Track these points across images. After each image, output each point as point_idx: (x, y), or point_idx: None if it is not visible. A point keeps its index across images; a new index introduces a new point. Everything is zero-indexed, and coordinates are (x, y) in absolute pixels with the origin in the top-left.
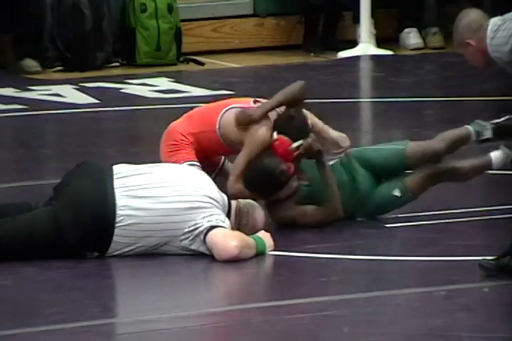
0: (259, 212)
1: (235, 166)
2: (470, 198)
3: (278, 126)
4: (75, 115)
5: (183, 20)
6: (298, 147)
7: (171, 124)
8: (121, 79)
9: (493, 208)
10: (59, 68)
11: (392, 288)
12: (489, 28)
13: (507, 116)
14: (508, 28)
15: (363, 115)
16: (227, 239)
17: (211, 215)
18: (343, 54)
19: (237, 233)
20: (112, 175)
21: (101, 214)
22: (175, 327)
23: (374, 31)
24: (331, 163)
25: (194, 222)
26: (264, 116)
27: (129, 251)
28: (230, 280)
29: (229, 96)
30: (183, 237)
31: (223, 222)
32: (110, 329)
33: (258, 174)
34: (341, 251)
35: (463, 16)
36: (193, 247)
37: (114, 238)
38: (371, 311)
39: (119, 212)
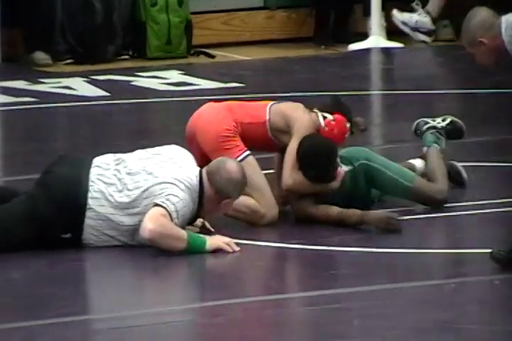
0: (230, 163)
1: (288, 157)
2: (482, 191)
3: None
4: (86, 108)
5: (193, 13)
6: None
7: (216, 114)
8: (131, 72)
9: (505, 200)
10: (69, 61)
11: (402, 281)
12: (504, 25)
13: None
14: None
15: (374, 108)
16: (148, 220)
17: (164, 194)
18: (354, 46)
19: (165, 221)
20: (90, 163)
21: (74, 194)
22: (186, 319)
23: (384, 24)
24: (346, 169)
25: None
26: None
27: (102, 234)
28: (239, 273)
29: (239, 89)
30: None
31: (172, 203)
32: (120, 321)
33: (318, 149)
34: (352, 244)
35: (473, 16)
36: None
37: (87, 221)
38: (381, 304)
39: (89, 195)
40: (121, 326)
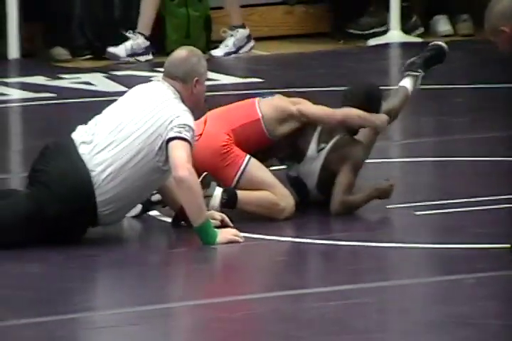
0: (176, 51)
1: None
2: (498, 185)
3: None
4: (105, 103)
5: (212, 8)
6: None
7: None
8: (150, 67)
9: None
10: (88, 56)
11: (420, 276)
12: None
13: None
14: None
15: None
16: (178, 165)
17: (172, 122)
18: (372, 41)
19: (194, 173)
20: (74, 144)
21: (77, 184)
22: (205, 315)
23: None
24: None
25: (160, 138)
26: None
27: (117, 205)
28: (259, 268)
29: (258, 84)
30: (157, 158)
31: (188, 129)
32: (139, 316)
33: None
34: (370, 239)
35: (496, 3)
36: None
37: (98, 198)
38: (400, 299)
39: (92, 174)
40: (138, 322)
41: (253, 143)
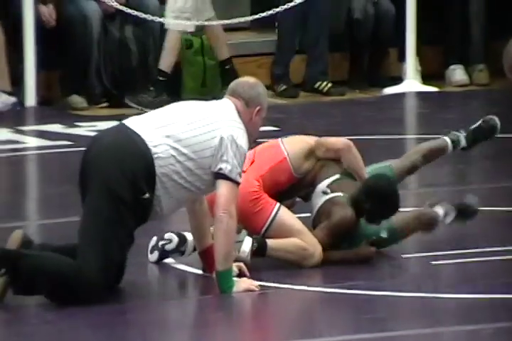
0: (244, 78)
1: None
2: None
3: None
4: None
5: None
6: None
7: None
8: None
9: None
10: (105, 104)
11: (438, 326)
12: None
13: (479, 122)
14: None
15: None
16: (226, 203)
17: (232, 138)
18: (388, 90)
19: (235, 211)
20: (125, 125)
21: (137, 152)
22: None
23: (419, 68)
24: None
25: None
26: None
27: (172, 189)
28: (274, 316)
29: (274, 132)
30: (211, 159)
31: (237, 166)
32: None
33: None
34: (386, 288)
35: None
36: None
37: (158, 170)
38: None
39: (149, 144)
40: None
41: (282, 184)
